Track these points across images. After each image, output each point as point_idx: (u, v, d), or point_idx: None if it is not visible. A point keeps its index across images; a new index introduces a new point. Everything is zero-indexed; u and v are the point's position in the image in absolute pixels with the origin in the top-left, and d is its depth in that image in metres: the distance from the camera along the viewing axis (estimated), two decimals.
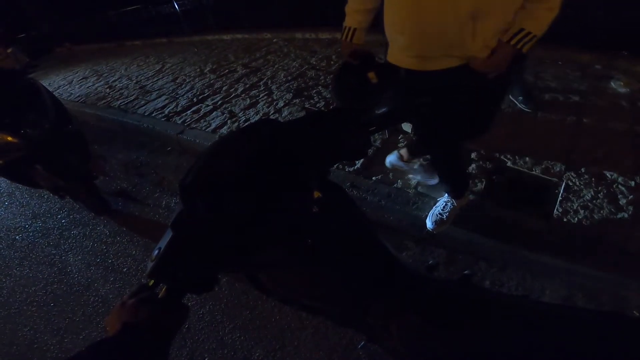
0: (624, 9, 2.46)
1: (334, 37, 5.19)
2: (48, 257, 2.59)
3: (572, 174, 2.24)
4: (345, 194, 0.97)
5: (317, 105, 3.52)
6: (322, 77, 4.10)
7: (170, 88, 4.70)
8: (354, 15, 1.58)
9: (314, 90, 3.79)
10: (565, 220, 1.99)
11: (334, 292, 0.91)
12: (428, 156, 2.34)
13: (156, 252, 0.72)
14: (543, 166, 2.32)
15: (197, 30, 7.46)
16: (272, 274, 0.92)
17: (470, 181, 2.29)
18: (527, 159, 2.39)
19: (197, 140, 3.35)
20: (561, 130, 2.63)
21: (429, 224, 2.06)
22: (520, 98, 2.92)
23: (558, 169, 2.28)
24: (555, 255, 1.86)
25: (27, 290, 2.38)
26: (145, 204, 2.89)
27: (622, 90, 3.00)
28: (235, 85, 4.34)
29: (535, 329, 0.70)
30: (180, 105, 4.13)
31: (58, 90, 5.76)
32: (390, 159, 2.38)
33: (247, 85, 4.28)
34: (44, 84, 2.68)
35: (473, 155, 2.49)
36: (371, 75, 1.30)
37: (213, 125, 3.53)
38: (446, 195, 2.06)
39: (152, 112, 4.10)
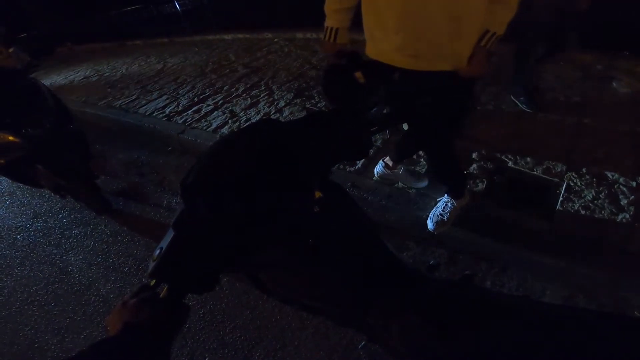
0: (626, 9, 2.47)
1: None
2: (49, 257, 2.60)
3: (573, 174, 2.24)
4: (346, 194, 0.97)
5: (318, 105, 3.51)
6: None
7: (171, 88, 4.70)
8: (334, 15, 1.59)
9: (315, 90, 3.79)
10: (566, 220, 1.99)
11: (334, 292, 0.91)
12: (415, 157, 2.39)
13: (158, 252, 0.72)
14: (544, 166, 2.31)
15: (198, 30, 7.45)
16: (272, 274, 0.92)
17: (471, 181, 2.29)
18: (528, 159, 2.38)
19: (198, 140, 3.35)
20: (562, 130, 2.63)
21: (430, 224, 2.06)
22: (522, 98, 2.91)
23: (559, 169, 2.28)
24: (556, 255, 1.86)
25: (28, 289, 2.39)
26: (146, 204, 2.89)
27: (624, 90, 3.00)
28: (236, 85, 4.34)
29: (536, 330, 0.70)
30: (181, 105, 4.13)
31: (59, 90, 5.77)
32: (377, 169, 2.39)
33: (248, 85, 4.28)
34: (45, 84, 2.68)
35: (474, 155, 2.49)
36: (358, 75, 1.34)
37: (214, 125, 3.53)
38: (446, 195, 2.07)
39: (153, 112, 4.10)
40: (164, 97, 4.45)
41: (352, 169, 2.60)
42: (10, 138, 2.22)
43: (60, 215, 2.98)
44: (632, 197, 2.05)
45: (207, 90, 4.39)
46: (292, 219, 0.80)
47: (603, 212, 2.00)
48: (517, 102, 2.95)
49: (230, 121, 3.55)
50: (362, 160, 2.64)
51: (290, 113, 3.47)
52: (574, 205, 2.05)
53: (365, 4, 1.48)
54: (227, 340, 1.88)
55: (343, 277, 0.89)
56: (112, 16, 9.23)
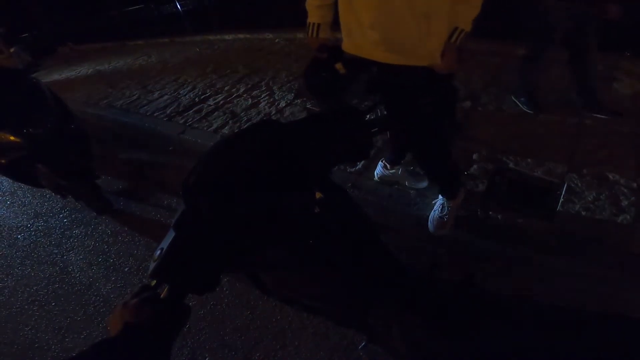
0: (628, 9, 2.47)
1: (335, 37, 5.19)
2: (50, 257, 2.60)
3: (574, 175, 2.24)
4: (346, 194, 0.97)
5: (319, 105, 3.51)
6: None
7: (172, 88, 4.71)
8: (315, 11, 1.68)
9: None
10: (567, 221, 1.99)
11: (334, 292, 0.91)
12: (408, 159, 2.40)
13: (158, 252, 0.72)
14: (545, 167, 2.31)
15: (199, 30, 7.46)
16: (273, 274, 0.92)
17: (472, 182, 2.29)
18: (529, 160, 2.38)
19: (199, 141, 3.36)
20: (563, 131, 2.63)
21: (430, 227, 2.06)
22: (523, 99, 2.91)
23: (560, 171, 2.28)
24: (557, 256, 1.86)
25: (28, 289, 2.39)
26: (147, 204, 2.89)
27: (625, 91, 2.99)
28: (237, 85, 4.35)
29: (537, 331, 0.70)
30: (182, 105, 4.13)
31: (60, 90, 5.77)
32: (377, 170, 2.40)
33: (249, 86, 4.28)
34: (46, 84, 2.68)
35: (475, 156, 2.49)
36: (339, 66, 1.40)
37: (215, 126, 3.53)
38: (440, 197, 2.07)
39: (154, 112, 4.10)
40: (165, 97, 4.45)
41: (352, 169, 2.60)
42: (12, 138, 2.22)
43: (61, 215, 2.98)
44: (633, 198, 2.04)
45: (208, 90, 4.39)
46: (292, 220, 0.80)
47: (604, 213, 1.99)
48: (517, 102, 2.95)
49: (231, 121, 3.55)
50: (363, 161, 2.64)
51: (291, 113, 3.47)
52: (574, 207, 2.05)
53: (341, 1, 1.54)
54: (227, 340, 1.88)
55: (343, 277, 0.89)
56: (114, 16, 9.24)
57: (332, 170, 1.04)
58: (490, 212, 2.10)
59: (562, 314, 0.75)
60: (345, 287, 0.90)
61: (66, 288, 2.34)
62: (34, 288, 2.39)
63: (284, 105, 3.64)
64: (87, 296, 2.26)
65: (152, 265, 0.72)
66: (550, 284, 1.84)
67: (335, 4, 1.60)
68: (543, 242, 1.94)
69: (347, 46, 1.64)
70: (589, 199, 2.08)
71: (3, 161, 2.35)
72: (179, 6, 7.61)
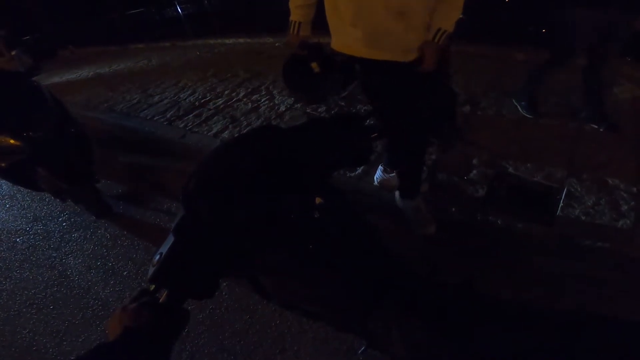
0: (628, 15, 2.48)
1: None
2: (48, 260, 2.59)
3: (574, 180, 2.24)
4: (346, 199, 0.97)
5: (319, 110, 3.52)
6: None
7: (172, 92, 4.72)
8: (297, 10, 1.75)
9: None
10: (566, 226, 1.98)
11: (334, 296, 0.91)
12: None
13: (157, 257, 0.72)
14: (545, 172, 2.31)
15: (200, 33, 7.49)
16: (273, 278, 0.91)
17: (472, 187, 2.29)
18: (529, 164, 2.38)
19: (199, 145, 3.36)
20: (563, 136, 2.63)
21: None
22: (523, 103, 2.92)
23: (560, 175, 2.28)
24: (557, 260, 1.86)
25: (27, 292, 2.38)
26: (147, 208, 2.89)
27: (625, 96, 3.00)
28: (237, 90, 4.36)
29: (538, 334, 0.70)
30: (182, 109, 4.14)
31: (60, 93, 5.78)
32: (377, 175, 2.41)
33: (249, 90, 4.29)
34: (47, 87, 2.69)
35: (474, 161, 2.49)
36: (314, 65, 1.48)
37: (215, 130, 3.53)
38: (397, 194, 2.18)
39: (154, 116, 4.11)
40: (165, 101, 4.46)
41: (352, 174, 2.60)
42: (12, 141, 2.22)
43: (60, 219, 2.98)
44: (633, 202, 2.04)
45: (208, 94, 4.40)
46: (292, 224, 0.80)
47: (603, 217, 1.99)
48: (518, 105, 2.95)
49: (231, 126, 3.56)
50: (362, 165, 2.64)
51: (291, 118, 3.48)
52: (574, 211, 2.05)
53: (327, 0, 1.61)
54: (226, 344, 1.87)
55: (343, 281, 0.88)
56: (115, 20, 9.28)
57: (332, 175, 1.04)
58: (490, 217, 2.10)
59: (561, 317, 0.75)
60: (345, 290, 0.89)
61: (65, 292, 2.33)
62: (33, 291, 2.38)
63: (284, 109, 3.65)
64: (85, 300, 2.25)
65: (151, 270, 0.72)
66: (550, 288, 1.84)
67: (318, 4, 1.69)
68: (542, 246, 1.94)
69: (335, 44, 1.71)
70: (589, 204, 2.08)
71: (3, 164, 2.34)
72: (179, 10, 7.64)
